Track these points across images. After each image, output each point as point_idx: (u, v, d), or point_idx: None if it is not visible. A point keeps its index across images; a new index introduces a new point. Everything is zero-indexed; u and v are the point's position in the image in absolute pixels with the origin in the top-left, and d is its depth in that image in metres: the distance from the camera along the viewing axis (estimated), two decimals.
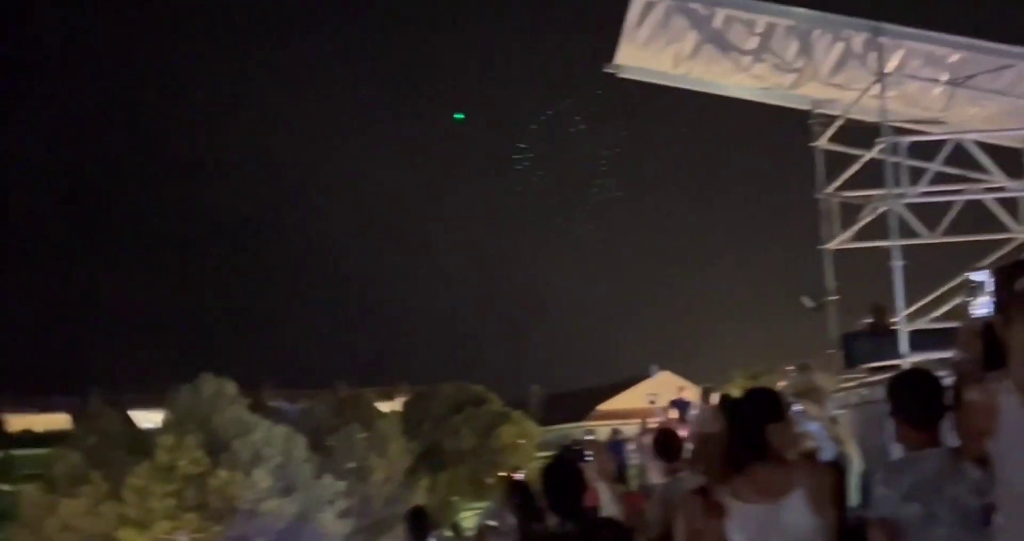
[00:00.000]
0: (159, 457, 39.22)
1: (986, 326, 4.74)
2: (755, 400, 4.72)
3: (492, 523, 17.14)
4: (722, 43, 13.04)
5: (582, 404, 61.84)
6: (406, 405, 56.40)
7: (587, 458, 6.66)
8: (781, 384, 12.95)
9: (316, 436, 45.31)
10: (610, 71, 14.31)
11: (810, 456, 7.44)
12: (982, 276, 4.36)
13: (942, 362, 12.35)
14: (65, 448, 42.42)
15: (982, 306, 4.62)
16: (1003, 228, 13.56)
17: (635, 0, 12.67)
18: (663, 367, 46.23)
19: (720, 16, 12.69)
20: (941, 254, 15.83)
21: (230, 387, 43.07)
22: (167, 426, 41.10)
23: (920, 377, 4.62)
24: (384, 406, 55.96)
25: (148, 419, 55.32)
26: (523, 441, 52.63)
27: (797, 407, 7.73)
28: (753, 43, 12.94)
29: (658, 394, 29.03)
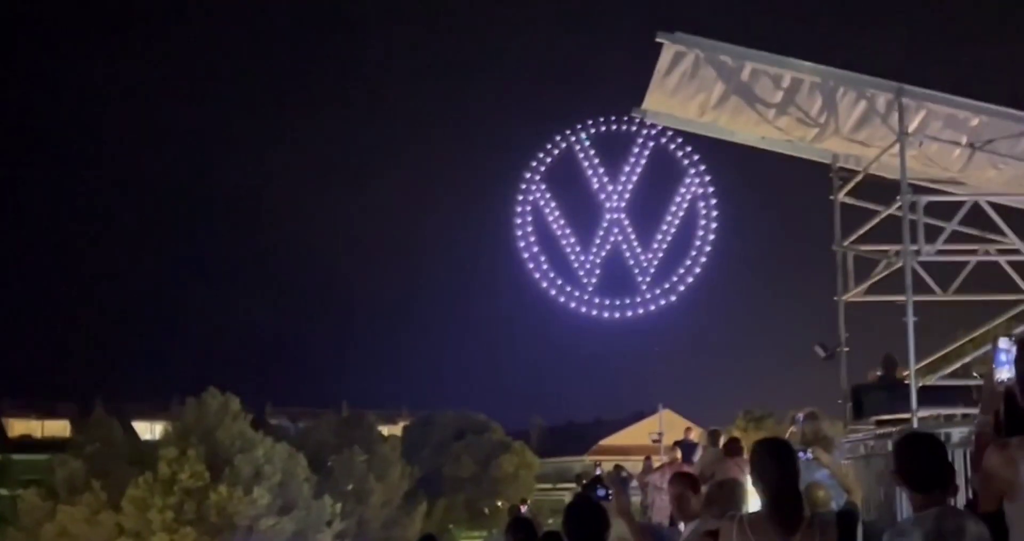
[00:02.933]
0: (161, 469, 39.35)
1: (1007, 392, 4.95)
2: (787, 454, 4.92)
3: None
4: (748, 95, 13.32)
5: (583, 438, 61.87)
6: (407, 429, 56.51)
7: (608, 496, 6.86)
8: (790, 430, 13.11)
9: (316, 456, 45.43)
10: (637, 116, 14.63)
11: (824, 506, 7.63)
12: (1007, 344, 4.53)
13: (950, 419, 12.62)
14: (66, 455, 42.57)
15: (1005, 372, 4.79)
16: (1015, 289, 13.77)
17: (666, 49, 12.95)
18: (665, 405, 46.26)
19: (748, 69, 12.97)
20: (950, 312, 16.07)
21: (234, 403, 43.23)
22: (170, 438, 41.25)
23: (923, 441, 4.78)
24: (385, 430, 56.07)
25: (148, 430, 55.47)
26: (522, 472, 52.70)
27: (806, 454, 7.90)
28: (778, 97, 13.22)
29: (662, 433, 29.16)
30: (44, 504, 39.64)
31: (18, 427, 67.09)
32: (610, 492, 7.13)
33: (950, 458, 4.82)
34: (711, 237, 37.26)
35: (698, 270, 37.75)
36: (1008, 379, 4.97)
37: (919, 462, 4.64)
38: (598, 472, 15.89)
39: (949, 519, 4.47)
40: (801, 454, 7.06)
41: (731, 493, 6.93)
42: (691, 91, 13.49)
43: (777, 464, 4.78)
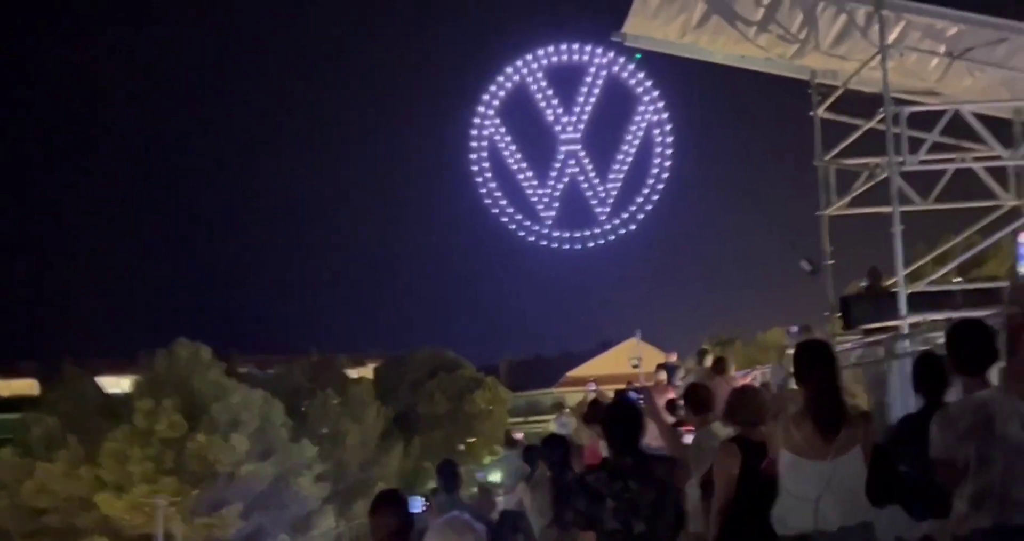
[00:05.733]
0: (137, 421, 39.33)
1: None
2: (829, 355, 5.07)
3: (493, 480, 17.63)
4: (729, 13, 13.41)
5: (552, 370, 62.51)
6: (379, 370, 56.75)
7: (640, 400, 7.09)
8: (786, 344, 13.42)
9: (290, 401, 45.59)
10: (617, 40, 14.66)
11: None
12: None
13: (936, 324, 12.94)
14: (39, 413, 42.38)
15: None
16: (992, 195, 14.05)
17: None
18: (635, 334, 46.72)
19: None
20: (929, 220, 16.37)
21: (205, 352, 43.16)
22: (144, 390, 41.17)
23: (974, 327, 5.00)
24: (355, 373, 56.26)
25: (114, 384, 55.22)
26: (495, 407, 53.26)
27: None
28: (759, 14, 13.33)
29: (640, 358, 29.56)
30: (21, 462, 39.53)
31: None
32: (642, 396, 7.37)
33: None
34: (667, 164, 37.38)
35: (656, 198, 37.90)
36: None
37: (969, 346, 4.85)
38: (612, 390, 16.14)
39: (999, 400, 4.67)
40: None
41: (753, 400, 7.15)
42: (672, 12, 13.57)
43: (820, 364, 4.91)
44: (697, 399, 7.94)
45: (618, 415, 5.74)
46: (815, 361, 4.95)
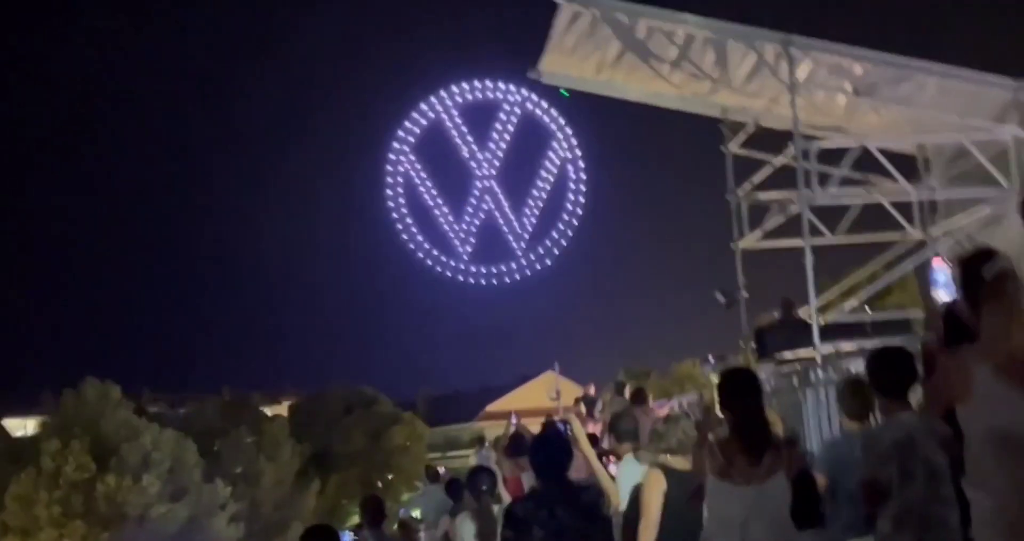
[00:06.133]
0: (44, 463, 38.24)
1: (947, 310, 5.38)
2: (754, 383, 5.20)
3: (414, 514, 17.50)
4: (643, 52, 13.71)
5: (470, 405, 62.31)
6: (295, 407, 55.94)
7: (567, 430, 7.18)
8: (703, 373, 13.64)
9: (203, 440, 44.72)
10: (533, 77, 14.87)
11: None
12: (941, 265, 4.89)
13: (846, 353, 13.27)
14: None
15: (942, 292, 5.23)
16: (897, 227, 14.49)
17: (563, 9, 13.22)
18: (553, 367, 46.92)
19: (642, 26, 13.34)
20: (833, 253, 16.82)
21: (114, 391, 42.21)
22: (51, 431, 40.07)
23: (895, 353, 5.23)
24: (270, 410, 55.42)
25: (19, 426, 53.61)
26: (412, 443, 52.80)
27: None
28: (673, 53, 13.64)
29: (559, 391, 29.70)
30: None
31: None
32: (569, 427, 7.46)
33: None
34: (582, 199, 37.85)
35: (571, 233, 38.31)
36: (948, 299, 5.40)
37: (890, 371, 5.04)
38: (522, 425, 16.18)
39: (920, 421, 4.85)
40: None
41: (678, 429, 7.28)
42: (588, 50, 13.83)
43: (745, 391, 5.03)
44: (623, 428, 8.06)
45: (546, 444, 5.81)
46: (741, 388, 5.07)
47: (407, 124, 37.63)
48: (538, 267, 38.83)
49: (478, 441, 18.41)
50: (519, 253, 38.06)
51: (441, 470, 17.25)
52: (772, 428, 5.32)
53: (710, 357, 13.70)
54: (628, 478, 7.15)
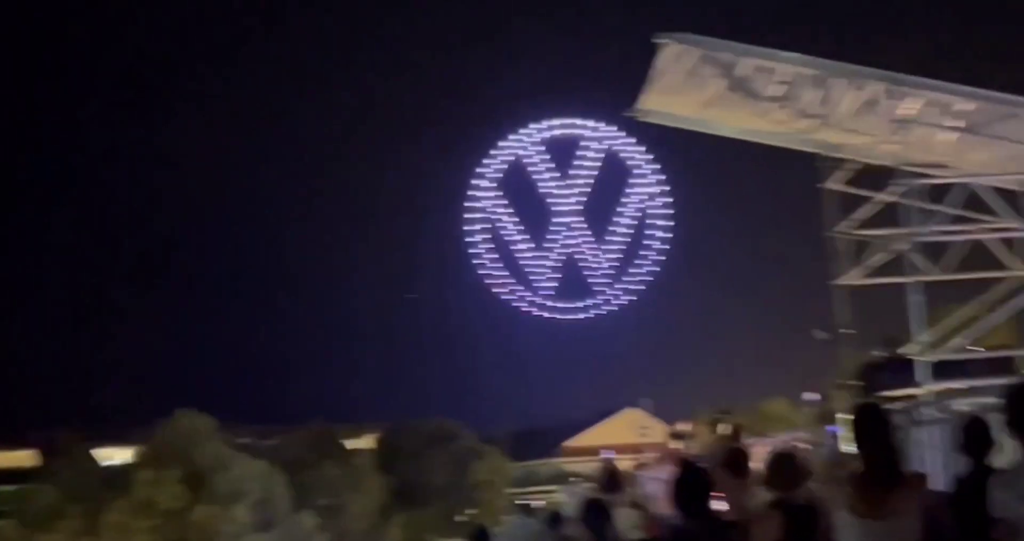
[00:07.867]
0: (138, 492, 39.03)
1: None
2: (885, 418, 5.25)
3: None
4: (746, 90, 13.84)
5: (549, 440, 62.14)
6: (381, 440, 56.30)
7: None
8: (809, 411, 13.62)
9: (291, 472, 45.27)
10: (632, 115, 15.07)
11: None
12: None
13: (954, 391, 13.18)
14: (40, 484, 42.03)
15: None
16: (1001, 265, 14.37)
17: (666, 49, 13.42)
18: (635, 403, 46.78)
19: (747, 65, 13.48)
20: (935, 290, 16.66)
21: (206, 423, 43.01)
22: (145, 461, 40.91)
23: None
24: (351, 444, 55.78)
25: (114, 456, 54.76)
26: (495, 478, 52.77)
27: (835, 428, 8.36)
28: (776, 90, 13.74)
29: (647, 428, 29.66)
30: (22, 534, 39.13)
31: None
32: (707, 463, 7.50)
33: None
34: (667, 235, 37.74)
35: (656, 268, 38.15)
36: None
37: None
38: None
39: None
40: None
41: (792, 465, 7.30)
42: (690, 89, 13.99)
43: (877, 426, 5.07)
44: (736, 463, 8.09)
45: (689, 480, 5.88)
46: (872, 423, 5.11)
47: (489, 161, 38.07)
48: (619, 303, 38.77)
49: (559, 478, 18.47)
50: (602, 288, 38.05)
51: (538, 503, 17.32)
52: (902, 464, 5.37)
53: (807, 395, 13.67)
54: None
